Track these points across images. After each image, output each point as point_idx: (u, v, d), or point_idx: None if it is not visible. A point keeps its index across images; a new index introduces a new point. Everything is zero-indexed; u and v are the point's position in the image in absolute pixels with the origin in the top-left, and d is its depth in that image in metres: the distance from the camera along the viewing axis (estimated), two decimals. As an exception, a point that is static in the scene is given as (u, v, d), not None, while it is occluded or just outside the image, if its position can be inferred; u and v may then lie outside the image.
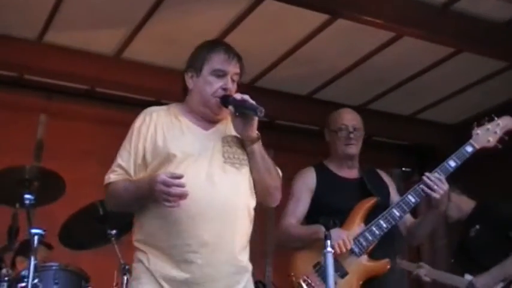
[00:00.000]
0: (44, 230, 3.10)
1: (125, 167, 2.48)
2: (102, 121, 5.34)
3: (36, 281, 3.01)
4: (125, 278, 3.56)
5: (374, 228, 3.08)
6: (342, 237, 2.97)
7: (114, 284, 3.80)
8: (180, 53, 4.85)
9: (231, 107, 2.45)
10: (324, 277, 3.05)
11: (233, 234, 2.39)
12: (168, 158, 2.40)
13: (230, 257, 2.38)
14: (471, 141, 3.18)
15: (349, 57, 5.10)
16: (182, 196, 2.25)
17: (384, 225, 3.08)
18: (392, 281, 3.20)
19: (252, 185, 2.52)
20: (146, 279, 2.35)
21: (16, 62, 4.82)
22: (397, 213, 3.10)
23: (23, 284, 3.10)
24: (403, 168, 5.00)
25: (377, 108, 6.01)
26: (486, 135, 3.19)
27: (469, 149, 3.17)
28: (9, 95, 5.05)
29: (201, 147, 2.44)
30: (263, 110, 2.39)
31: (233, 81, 2.55)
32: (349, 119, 3.38)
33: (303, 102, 5.75)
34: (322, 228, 2.83)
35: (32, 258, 2.98)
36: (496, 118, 3.22)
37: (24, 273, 3.15)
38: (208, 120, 2.55)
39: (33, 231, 3.06)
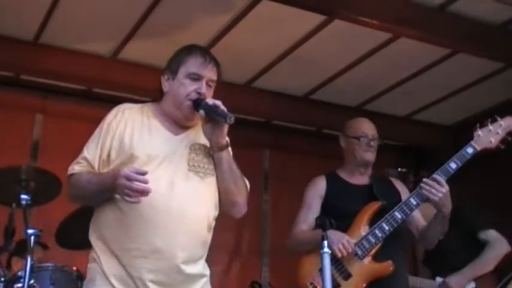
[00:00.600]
0: (40, 230, 3.10)
1: (90, 160, 2.46)
2: (99, 121, 5.28)
3: (32, 281, 3.01)
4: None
5: (377, 231, 3.14)
6: (342, 241, 3.05)
7: (111, 284, 3.79)
8: (176, 53, 4.92)
9: (201, 111, 2.42)
10: (339, 270, 3.16)
11: (185, 243, 2.35)
12: (131, 159, 2.37)
13: (178, 266, 2.33)
14: (472, 142, 3.20)
15: (346, 58, 5.10)
16: (144, 192, 2.22)
17: (386, 227, 3.14)
18: (403, 277, 3.27)
19: (216, 195, 2.48)
20: (100, 280, 2.33)
21: (12, 62, 4.81)
22: (399, 216, 3.15)
23: (19, 285, 3.10)
24: (399, 169, 5.01)
25: (373, 109, 6.01)
26: (488, 136, 3.20)
27: (470, 150, 3.18)
28: (6, 95, 5.03)
29: (167, 151, 2.42)
30: (233, 118, 2.37)
31: (209, 86, 2.52)
32: (370, 128, 3.52)
33: (300, 102, 5.75)
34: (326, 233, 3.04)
35: (29, 259, 2.98)
36: (499, 119, 3.22)
37: (20, 273, 3.15)
38: (180, 125, 2.51)
39: (30, 231, 3.06)
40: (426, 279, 4.10)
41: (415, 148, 6.45)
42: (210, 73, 2.52)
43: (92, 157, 2.46)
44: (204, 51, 2.59)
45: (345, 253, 3.04)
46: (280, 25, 4.55)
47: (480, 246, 3.75)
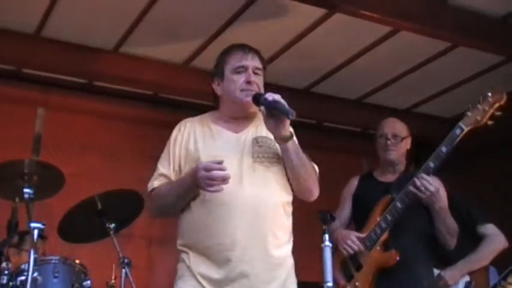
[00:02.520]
0: (44, 224, 3.12)
1: (166, 174, 2.59)
2: (101, 115, 5.35)
3: (35, 274, 3.03)
4: (124, 271, 3.59)
5: (382, 222, 3.24)
6: (348, 240, 3.23)
7: (113, 277, 3.82)
8: (179, 46, 4.94)
9: (262, 107, 2.49)
10: (345, 272, 3.31)
11: (265, 231, 2.45)
12: (198, 163, 2.46)
13: (263, 254, 2.43)
14: (460, 123, 3.21)
15: (347, 51, 5.11)
16: (224, 179, 2.32)
17: (389, 218, 3.23)
18: (418, 270, 3.27)
19: (286, 180, 2.57)
20: (188, 277, 2.46)
21: (14, 55, 4.81)
22: (400, 206, 3.22)
23: (23, 278, 3.12)
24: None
25: (374, 102, 6.03)
26: (476, 115, 3.20)
27: (457, 131, 3.19)
28: (7, 88, 5.04)
29: (230, 150, 2.53)
30: (294, 113, 2.42)
31: (256, 74, 2.63)
32: (389, 127, 3.55)
33: (301, 95, 5.76)
34: (337, 232, 3.31)
35: (32, 252, 3.00)
36: (489, 94, 3.21)
37: (23, 266, 3.17)
38: (242, 118, 2.63)
39: (33, 225, 3.07)
40: None
41: (415, 140, 6.44)
42: (253, 62, 2.64)
43: (167, 171, 2.59)
44: (241, 45, 2.70)
45: (351, 251, 3.21)
46: (282, 18, 4.55)
47: (477, 240, 3.76)
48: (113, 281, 3.86)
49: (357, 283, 3.24)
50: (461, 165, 5.58)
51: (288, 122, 2.49)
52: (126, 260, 3.59)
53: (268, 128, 2.53)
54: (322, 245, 2.52)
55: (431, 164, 3.22)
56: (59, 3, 4.32)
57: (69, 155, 4.99)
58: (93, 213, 3.74)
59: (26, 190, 3.38)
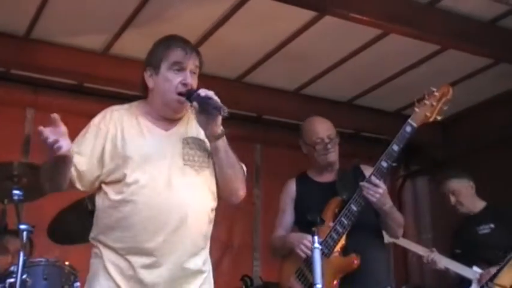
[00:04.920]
0: (33, 226, 3.11)
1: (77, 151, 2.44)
2: (90, 116, 5.24)
3: (25, 276, 3.02)
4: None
5: (338, 227, 3.15)
6: (306, 238, 3.04)
7: (103, 279, 3.80)
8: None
9: (195, 103, 2.42)
10: (303, 282, 3.18)
11: (187, 238, 2.37)
12: (126, 161, 2.38)
13: (181, 260, 2.37)
14: (409, 120, 3.19)
15: (337, 54, 5.13)
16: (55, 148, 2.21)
17: (345, 221, 3.14)
18: (377, 271, 3.26)
19: (213, 186, 2.50)
20: (102, 276, 2.36)
21: (3, 57, 4.79)
22: (355, 208, 3.15)
23: (12, 280, 3.11)
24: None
25: (364, 104, 6.06)
26: (424, 111, 3.19)
27: (408, 128, 3.17)
28: (-3, 89, 5.03)
29: (160, 149, 2.43)
30: (226, 110, 2.36)
31: (193, 73, 2.51)
32: (323, 130, 3.42)
33: (291, 97, 5.78)
34: (290, 236, 3.20)
35: (21, 254, 2.99)
36: (434, 89, 3.20)
37: (13, 268, 3.16)
38: (169, 120, 2.52)
39: (22, 226, 3.06)
40: (466, 267, 4.19)
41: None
42: (193, 61, 2.51)
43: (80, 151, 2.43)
44: (183, 42, 2.57)
45: (308, 252, 3.00)
46: (272, 21, 4.57)
47: None
48: (102, 283, 3.84)
49: None
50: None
51: (219, 119, 2.42)
52: (116, 262, 3.58)
53: (200, 125, 2.46)
54: (312, 246, 2.53)
55: (384, 164, 3.17)
56: (48, 5, 4.31)
57: (59, 157, 4.96)
58: (83, 214, 3.73)
59: (15, 192, 3.37)
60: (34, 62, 4.83)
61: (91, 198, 3.68)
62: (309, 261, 3.08)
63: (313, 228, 2.61)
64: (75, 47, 4.87)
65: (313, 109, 5.93)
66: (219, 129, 2.45)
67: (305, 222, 2.91)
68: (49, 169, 2.38)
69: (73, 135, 5.57)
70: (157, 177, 2.37)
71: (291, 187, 3.48)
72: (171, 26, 4.54)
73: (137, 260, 2.33)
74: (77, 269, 3.52)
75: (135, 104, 2.59)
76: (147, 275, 2.32)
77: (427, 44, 4.84)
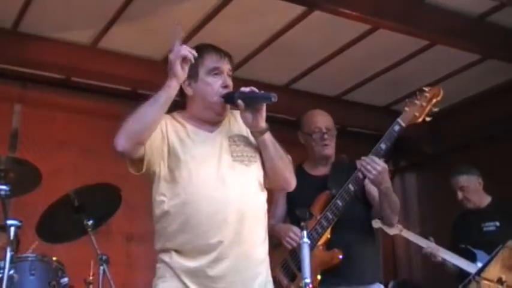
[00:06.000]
0: (21, 221, 3.08)
1: None
2: (79, 111, 5.31)
3: (12, 272, 3.00)
4: (102, 268, 3.56)
5: (323, 221, 3.17)
6: (292, 230, 3.12)
7: (91, 274, 3.80)
8: (157, 43, 4.92)
9: (240, 101, 2.47)
10: (287, 273, 3.19)
11: (250, 228, 2.46)
12: (178, 163, 2.46)
13: (249, 252, 2.46)
14: (398, 119, 3.19)
15: (326, 49, 5.13)
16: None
17: (330, 216, 3.16)
18: (364, 265, 3.26)
19: (262, 178, 2.57)
20: (169, 277, 2.43)
21: (-10, 51, 4.77)
22: (340, 204, 3.16)
23: (-1, 275, 3.09)
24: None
25: (353, 99, 6.07)
26: (413, 111, 3.19)
27: (397, 128, 3.17)
28: (-16, 84, 4.99)
29: (209, 149, 2.51)
30: (276, 95, 2.43)
31: (229, 76, 2.59)
32: (322, 121, 3.45)
33: (280, 92, 5.72)
34: (277, 227, 3.21)
35: (8, 249, 2.96)
36: (426, 90, 3.20)
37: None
38: (212, 123, 2.59)
39: (10, 222, 3.04)
40: (466, 260, 4.17)
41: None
42: (227, 65, 2.59)
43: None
44: (214, 47, 2.64)
45: (294, 244, 3.08)
46: (261, 15, 4.56)
47: None
48: (90, 278, 3.84)
49: (300, 283, 3.15)
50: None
51: (264, 112, 2.49)
52: (104, 257, 3.56)
53: (245, 122, 2.53)
54: (301, 241, 2.53)
55: None
56: (36, -2, 4.29)
57: (47, 151, 4.95)
58: (70, 210, 3.70)
59: (2, 187, 3.34)
60: (21, 56, 4.80)
61: (77, 192, 3.68)
62: (294, 253, 3.15)
63: (302, 224, 2.61)
64: (63, 41, 4.85)
65: (302, 104, 5.94)
66: (264, 122, 2.53)
67: (295, 216, 2.93)
68: (157, 104, 2.41)
69: (62, 131, 5.58)
70: (211, 176, 2.45)
71: None
72: (160, 20, 4.54)
73: (204, 257, 2.40)
74: (65, 264, 3.50)
75: (175, 113, 2.62)
76: (213, 269, 2.40)
77: (415, 39, 4.86)
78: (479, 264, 4.06)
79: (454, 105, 5.86)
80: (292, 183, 2.67)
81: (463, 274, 4.14)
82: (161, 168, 2.48)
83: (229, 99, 2.52)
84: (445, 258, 4.21)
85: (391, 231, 3.58)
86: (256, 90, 2.49)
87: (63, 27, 4.71)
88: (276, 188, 2.72)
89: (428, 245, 4.22)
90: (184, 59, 2.36)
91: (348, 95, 5.99)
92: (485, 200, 4.46)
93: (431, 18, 4.59)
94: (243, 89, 2.50)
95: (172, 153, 2.48)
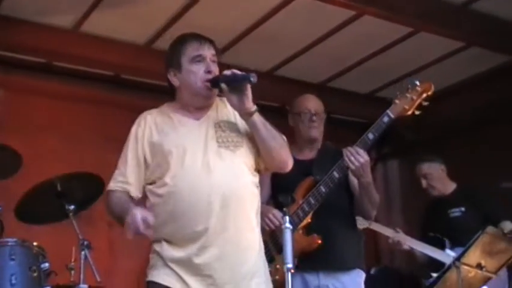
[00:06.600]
0: (0, 206, 3.06)
1: (123, 180, 2.60)
2: (61, 96, 5.25)
3: (-9, 256, 2.97)
4: (83, 253, 3.55)
5: (305, 206, 3.20)
6: (271, 212, 3.14)
7: (72, 260, 3.78)
8: (139, 27, 4.88)
9: (223, 85, 2.52)
10: (265, 254, 3.17)
11: (236, 215, 2.48)
12: (164, 156, 2.51)
13: (236, 237, 2.48)
14: (388, 111, 3.22)
15: (309, 35, 5.12)
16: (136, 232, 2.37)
17: (313, 201, 3.19)
18: (344, 251, 3.28)
19: (251, 162, 2.60)
20: (161, 266, 2.49)
21: (-29, 35, 4.69)
22: (323, 190, 3.19)
23: (-22, 261, 3.06)
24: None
25: (337, 86, 6.07)
26: (403, 103, 3.22)
27: (385, 119, 3.20)
28: (-36, 68, 4.92)
29: (194, 137, 2.55)
30: (256, 75, 2.48)
31: (213, 62, 2.63)
32: (312, 104, 3.51)
33: (263, 79, 5.71)
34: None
35: (-12, 234, 2.95)
36: (417, 83, 3.23)
37: (-21, 249, 3.11)
38: (200, 109, 2.62)
39: (-11, 206, 3.01)
40: (438, 249, 4.25)
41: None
42: (210, 50, 2.63)
43: (123, 177, 2.60)
44: (195, 35, 2.69)
45: (272, 226, 3.11)
46: (244, 1, 4.54)
47: None
48: (72, 264, 3.82)
49: (277, 265, 3.13)
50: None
51: (249, 93, 2.52)
52: (85, 243, 3.54)
53: (232, 105, 2.56)
54: (283, 226, 2.54)
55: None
56: (17, -19, 4.23)
57: (29, 136, 4.89)
58: (52, 194, 3.68)
59: (-18, 171, 3.31)
60: (2, 40, 4.70)
61: (61, 179, 3.66)
62: (274, 235, 3.16)
63: (285, 209, 2.62)
64: (45, 25, 4.77)
65: (285, 91, 5.95)
66: (251, 104, 2.55)
67: (278, 201, 2.94)
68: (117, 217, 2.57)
69: (44, 116, 5.52)
70: (196, 164, 2.48)
71: None
72: (143, 5, 4.50)
73: (192, 245, 2.44)
74: (46, 249, 3.48)
75: (165, 105, 2.72)
76: (199, 257, 2.43)
77: (400, 26, 4.86)
78: (448, 252, 4.13)
79: (438, 92, 5.84)
80: (289, 163, 2.69)
81: (433, 262, 4.20)
82: (150, 166, 2.57)
83: (213, 84, 2.56)
84: (413, 247, 4.25)
85: (360, 225, 3.63)
86: (238, 72, 2.52)
87: (45, 11, 4.64)
88: (273, 169, 2.76)
89: (394, 235, 4.25)
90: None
91: (331, 82, 5.99)
92: (450, 186, 4.52)
93: (415, 5, 4.59)
94: (225, 72, 2.54)
95: (156, 151, 2.54)
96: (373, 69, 5.62)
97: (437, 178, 4.53)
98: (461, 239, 4.15)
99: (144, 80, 5.45)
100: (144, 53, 5.12)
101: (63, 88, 5.30)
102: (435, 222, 4.52)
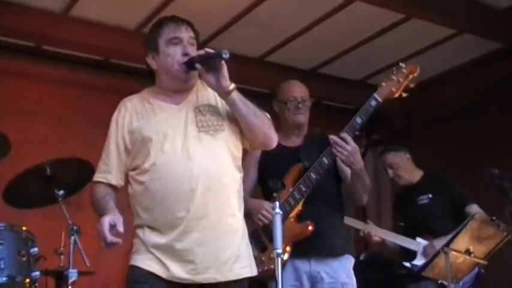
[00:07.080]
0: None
1: (106, 170, 2.59)
2: (50, 80, 5.21)
3: (-21, 241, 2.96)
4: (73, 238, 3.54)
5: (295, 193, 3.18)
6: (264, 208, 3.12)
7: (62, 244, 3.78)
8: (130, 12, 4.83)
9: (197, 65, 2.50)
10: (256, 244, 3.18)
11: (217, 199, 2.47)
12: (145, 142, 2.50)
13: (218, 222, 2.47)
14: (375, 94, 3.21)
15: (301, 21, 5.10)
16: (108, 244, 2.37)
17: (303, 189, 3.18)
18: (334, 238, 3.29)
19: (233, 147, 2.59)
20: (143, 251, 2.48)
21: (-41, 18, 4.63)
22: (314, 176, 3.18)
23: (-34, 245, 3.04)
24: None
25: (327, 73, 6.06)
26: (390, 86, 3.21)
27: (373, 103, 3.19)
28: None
29: (174, 122, 2.53)
30: (227, 52, 2.44)
31: (191, 44, 2.60)
32: (298, 91, 3.48)
33: (254, 64, 5.73)
34: (249, 202, 3.12)
35: (-24, 219, 2.93)
36: (403, 66, 3.22)
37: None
38: (180, 93, 2.60)
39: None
40: (407, 238, 4.27)
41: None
42: (187, 32, 2.60)
43: (106, 167, 2.59)
44: (173, 17, 2.66)
45: (266, 222, 3.10)
46: (236, -14, 4.51)
47: (462, 218, 3.85)
48: (61, 249, 3.81)
49: (271, 254, 3.03)
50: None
51: (225, 70, 2.49)
52: (75, 228, 3.53)
53: (210, 85, 2.54)
54: (274, 211, 2.54)
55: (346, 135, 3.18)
56: (5, -37, 4.17)
57: (17, 121, 4.86)
58: (41, 179, 3.66)
59: (-29, 156, 3.29)
60: (-10, 23, 4.67)
61: (50, 163, 3.64)
62: (266, 227, 3.14)
63: (274, 194, 2.61)
64: (34, 7, 4.72)
65: (276, 76, 5.91)
66: (228, 82, 2.51)
67: (267, 186, 2.93)
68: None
69: (32, 99, 5.47)
70: (176, 149, 2.47)
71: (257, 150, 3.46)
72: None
73: (173, 231, 2.43)
74: (35, 234, 3.46)
75: (146, 90, 2.69)
76: (180, 242, 2.43)
77: (391, 12, 4.85)
78: (419, 240, 4.15)
79: (428, 79, 5.88)
80: (274, 138, 2.67)
81: (406, 252, 4.23)
82: (131, 153, 2.55)
83: (190, 66, 2.54)
84: (384, 238, 4.27)
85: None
86: (210, 50, 2.49)
87: (33, -6, 4.60)
88: (258, 146, 2.75)
89: (364, 227, 4.27)
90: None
91: (323, 68, 5.98)
92: (417, 174, 4.52)
93: (406, -9, 4.59)
94: (198, 52, 2.52)
95: (136, 138, 2.53)
96: (365, 55, 5.61)
97: (403, 167, 4.51)
98: (431, 226, 4.19)
99: (134, 65, 5.39)
100: (134, 38, 5.05)
101: (52, 72, 5.25)
102: (405, 210, 4.54)
